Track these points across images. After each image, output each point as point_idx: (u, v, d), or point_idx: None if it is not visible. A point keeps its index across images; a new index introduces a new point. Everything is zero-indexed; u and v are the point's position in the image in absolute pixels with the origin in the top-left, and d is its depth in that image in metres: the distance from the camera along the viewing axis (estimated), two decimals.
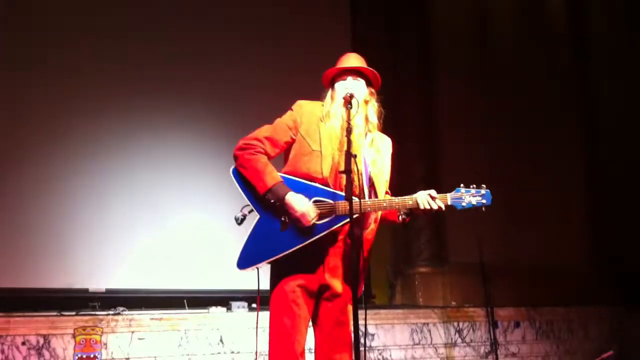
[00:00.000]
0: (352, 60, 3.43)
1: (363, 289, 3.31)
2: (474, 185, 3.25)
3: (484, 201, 3.24)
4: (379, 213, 3.37)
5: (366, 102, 3.38)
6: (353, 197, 3.03)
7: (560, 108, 7.74)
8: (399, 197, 3.27)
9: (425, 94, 7.42)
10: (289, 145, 3.37)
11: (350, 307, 3.21)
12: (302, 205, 3.15)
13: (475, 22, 7.70)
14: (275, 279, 3.27)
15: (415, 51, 7.48)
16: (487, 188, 3.25)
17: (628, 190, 7.18)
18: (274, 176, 3.23)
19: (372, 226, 3.36)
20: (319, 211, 3.17)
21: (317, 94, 3.46)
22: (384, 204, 3.26)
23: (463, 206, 3.24)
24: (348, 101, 3.18)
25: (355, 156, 3.05)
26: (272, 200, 3.18)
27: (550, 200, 7.28)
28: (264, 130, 3.35)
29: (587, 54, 7.93)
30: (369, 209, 3.22)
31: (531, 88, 7.55)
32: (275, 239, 3.20)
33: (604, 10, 7.84)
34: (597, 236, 7.50)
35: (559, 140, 7.57)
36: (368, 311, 5.08)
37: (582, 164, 7.76)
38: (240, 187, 3.30)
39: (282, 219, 3.19)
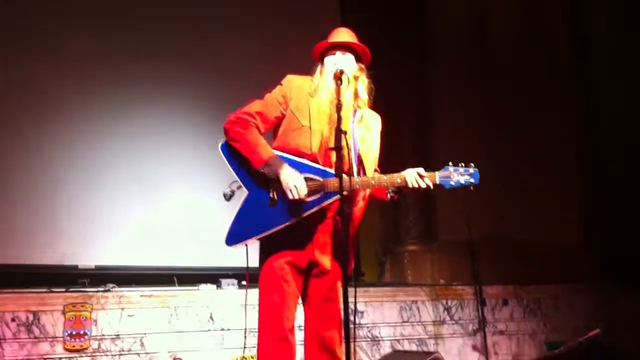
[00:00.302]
0: (342, 34, 3.41)
1: (353, 266, 3.33)
2: (463, 164, 3.24)
3: (472, 180, 3.23)
4: (368, 191, 3.37)
5: (356, 77, 3.36)
6: (344, 175, 3.04)
7: (557, 90, 7.73)
8: (388, 175, 3.27)
9: (417, 70, 7.43)
10: (279, 120, 3.35)
11: (339, 284, 3.23)
12: (295, 180, 3.14)
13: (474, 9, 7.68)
14: (264, 256, 3.28)
15: (408, 37, 7.48)
16: (475, 167, 3.25)
17: (620, 171, 7.20)
18: (268, 150, 3.23)
19: (360, 204, 3.36)
20: (309, 189, 3.17)
21: (307, 70, 3.45)
22: (373, 182, 3.26)
23: (451, 185, 3.24)
24: (338, 77, 3.16)
25: (345, 132, 3.05)
26: (267, 174, 3.17)
27: (541, 178, 7.30)
28: (255, 105, 3.34)
29: (587, 53, 7.89)
30: (357, 186, 3.22)
31: (525, 64, 7.53)
32: (264, 215, 3.20)
33: (603, 9, 7.79)
34: (587, 215, 7.53)
35: (552, 119, 7.57)
36: (357, 289, 5.11)
37: (574, 144, 7.77)
38: (228, 162, 3.30)
39: (271, 195, 3.19)
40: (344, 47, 3.38)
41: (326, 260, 3.26)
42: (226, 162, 3.30)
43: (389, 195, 3.40)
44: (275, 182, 3.18)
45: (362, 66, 3.41)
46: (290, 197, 3.13)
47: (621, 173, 7.14)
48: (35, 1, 5.80)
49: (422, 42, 7.53)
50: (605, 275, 6.72)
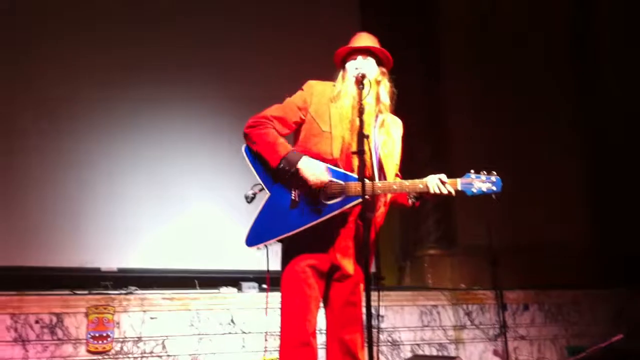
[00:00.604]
0: (363, 39, 3.42)
1: (373, 270, 3.33)
2: (485, 172, 3.23)
3: (494, 188, 3.22)
4: (389, 196, 3.37)
5: (377, 82, 3.37)
6: (366, 179, 3.04)
7: (568, 91, 7.68)
8: (409, 180, 3.27)
9: (432, 76, 7.42)
10: (298, 125, 3.37)
11: (361, 288, 3.23)
12: (315, 166, 3.16)
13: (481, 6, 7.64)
14: (286, 259, 3.29)
15: (420, 39, 7.47)
16: (497, 175, 3.24)
17: (635, 172, 7.13)
18: (286, 146, 3.25)
19: (381, 209, 3.36)
20: (330, 176, 3.17)
21: (327, 77, 3.46)
22: (395, 187, 3.26)
23: (473, 192, 3.23)
24: (360, 81, 3.17)
25: (367, 136, 3.05)
26: (286, 167, 3.18)
27: (558, 182, 7.26)
28: (274, 110, 3.36)
29: (597, 50, 7.82)
30: (379, 191, 3.22)
31: (537, 68, 7.49)
32: (284, 217, 3.21)
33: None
34: (603, 218, 7.47)
35: (567, 122, 7.53)
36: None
37: (593, 147, 7.70)
38: (251, 164, 3.32)
39: (293, 196, 3.21)
40: (365, 51, 3.39)
41: (348, 264, 3.26)
42: (249, 164, 3.32)
43: (410, 201, 3.40)
44: (296, 182, 3.19)
45: (384, 70, 3.42)
46: (311, 182, 3.14)
47: (628, 154, 7.09)
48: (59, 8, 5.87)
49: (438, 48, 7.52)
50: (626, 280, 6.66)
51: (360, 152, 3.01)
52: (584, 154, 7.68)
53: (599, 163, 7.64)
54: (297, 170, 3.17)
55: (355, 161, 3.11)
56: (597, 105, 7.74)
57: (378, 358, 3.32)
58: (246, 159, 3.33)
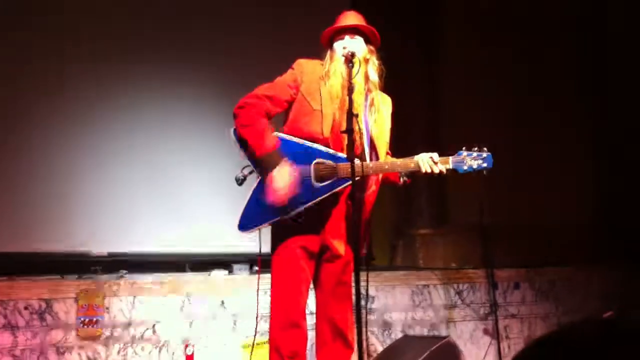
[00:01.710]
0: (350, 18, 3.39)
1: (365, 250, 3.32)
2: (476, 148, 3.24)
3: (485, 164, 3.23)
4: (380, 175, 3.36)
5: (366, 60, 3.34)
6: (355, 159, 3.02)
7: (569, 73, 7.63)
8: (401, 159, 3.26)
9: (428, 53, 7.39)
10: (289, 104, 3.34)
11: (352, 268, 3.22)
12: (282, 181, 3.12)
13: None
14: (276, 240, 3.27)
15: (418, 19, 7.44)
16: (488, 151, 3.24)
17: (637, 148, 7.10)
18: (272, 140, 3.21)
19: (372, 188, 3.34)
20: (322, 161, 3.14)
21: (317, 55, 3.42)
22: (386, 166, 3.25)
23: (465, 170, 3.23)
24: (349, 60, 3.15)
25: (357, 115, 3.03)
26: (264, 165, 3.17)
27: (554, 158, 7.23)
28: (265, 89, 3.33)
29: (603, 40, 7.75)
30: (370, 171, 3.21)
31: (539, 51, 7.44)
32: None
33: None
34: (599, 193, 7.45)
35: (565, 100, 7.48)
36: (369, 273, 5.10)
37: (588, 123, 7.65)
38: (240, 147, 3.29)
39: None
40: (353, 30, 3.36)
41: (339, 245, 3.25)
42: (238, 147, 3.29)
43: (402, 180, 3.39)
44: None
45: (372, 48, 3.39)
46: (270, 198, 3.11)
47: (638, 150, 7.06)
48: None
49: (434, 26, 7.47)
50: (619, 254, 6.66)
51: (350, 132, 2.99)
52: (582, 129, 7.62)
53: (598, 137, 7.59)
54: (269, 172, 3.14)
55: (346, 140, 3.08)
56: (605, 87, 7.68)
57: (367, 339, 3.32)
58: (235, 141, 3.30)
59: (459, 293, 5.83)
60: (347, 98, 3.06)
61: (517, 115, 7.23)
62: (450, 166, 3.23)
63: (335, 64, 3.30)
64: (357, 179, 3.03)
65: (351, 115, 3.00)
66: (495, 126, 6.90)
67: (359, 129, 3.10)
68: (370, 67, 3.36)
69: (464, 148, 3.23)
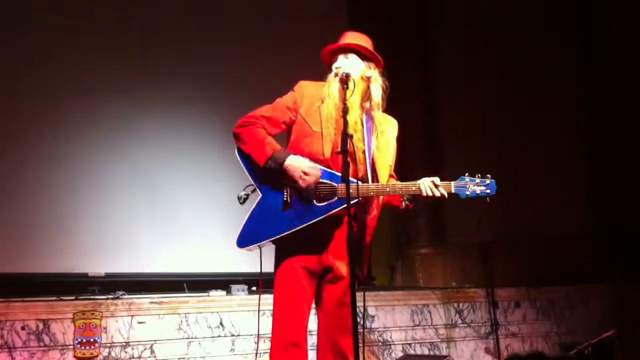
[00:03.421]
0: (346, 37, 3.39)
1: (365, 272, 3.30)
2: (479, 175, 3.24)
3: (488, 191, 3.23)
4: (382, 199, 3.35)
5: (367, 78, 3.33)
6: (357, 181, 3.04)
7: (564, 80, 7.62)
8: (402, 183, 3.26)
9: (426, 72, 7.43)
10: (288, 125, 3.34)
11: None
12: (302, 164, 3.14)
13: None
14: (278, 260, 3.26)
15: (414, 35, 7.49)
16: (491, 178, 3.24)
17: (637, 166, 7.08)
18: (273, 145, 3.22)
19: (374, 212, 3.33)
20: (319, 174, 3.15)
21: (315, 75, 3.42)
22: (387, 189, 3.24)
23: (467, 194, 3.23)
24: (344, 81, 3.14)
25: (351, 136, 3.03)
26: (273, 166, 3.16)
27: (553, 178, 7.20)
28: (263, 110, 3.33)
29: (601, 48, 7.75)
30: (372, 192, 3.20)
31: (533, 57, 7.42)
32: (276, 218, 3.18)
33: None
34: (598, 209, 7.41)
35: (560, 111, 7.47)
36: (368, 293, 5.08)
37: (586, 142, 7.63)
38: (244, 166, 3.29)
39: (285, 198, 3.17)
40: (345, 49, 3.35)
41: (341, 266, 3.23)
42: (242, 166, 3.29)
43: (404, 204, 3.38)
44: (289, 183, 3.17)
45: (372, 65, 3.36)
46: (302, 184, 3.11)
47: (638, 168, 7.04)
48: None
49: (430, 48, 7.52)
50: (618, 271, 6.63)
51: (345, 152, 2.98)
52: (581, 148, 7.60)
53: (597, 152, 7.56)
54: (284, 168, 3.14)
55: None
56: (598, 99, 7.65)
57: (367, 358, 3.29)
58: (239, 159, 3.31)
59: (459, 312, 5.80)
60: (341, 119, 3.06)
61: (516, 133, 7.22)
62: (452, 190, 3.23)
63: (330, 85, 3.30)
64: (358, 200, 3.03)
65: (346, 136, 2.99)
66: (493, 143, 6.91)
67: (359, 149, 3.11)
68: (372, 85, 3.34)
69: (466, 174, 3.23)
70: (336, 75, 3.20)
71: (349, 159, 3.01)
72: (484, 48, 7.37)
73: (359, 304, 2.92)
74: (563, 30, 7.58)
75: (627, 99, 7.17)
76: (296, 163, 3.15)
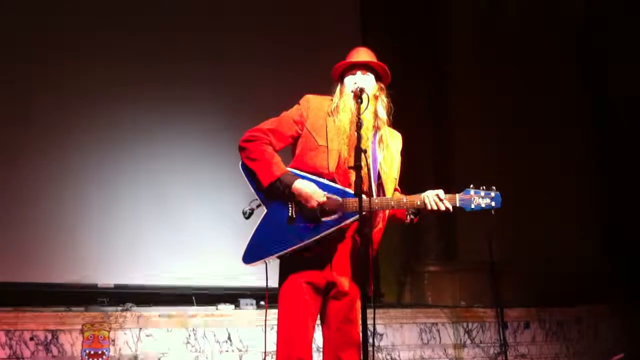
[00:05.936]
0: (362, 54, 3.40)
1: (372, 288, 3.29)
2: (484, 187, 3.21)
3: (493, 204, 3.19)
4: (387, 212, 3.34)
5: (375, 97, 3.35)
6: (362, 195, 3.02)
7: (573, 103, 7.62)
8: (407, 196, 3.25)
9: (437, 87, 7.42)
10: (294, 139, 3.34)
11: (359, 305, 3.19)
12: (310, 186, 3.14)
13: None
14: (283, 275, 3.26)
15: (426, 47, 7.50)
16: (497, 190, 3.21)
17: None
18: (281, 167, 3.22)
19: (379, 225, 3.33)
20: (327, 195, 3.15)
21: (325, 90, 3.43)
22: (392, 203, 3.23)
23: (472, 208, 3.20)
24: (358, 95, 3.15)
25: (365, 151, 3.03)
26: (281, 188, 3.16)
27: (561, 197, 7.18)
28: (270, 123, 3.34)
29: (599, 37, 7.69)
30: (376, 207, 3.19)
31: (544, 78, 7.41)
32: (282, 233, 3.18)
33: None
34: (608, 233, 7.38)
35: (571, 136, 7.45)
36: (376, 310, 5.05)
37: (596, 161, 7.61)
38: (248, 180, 3.29)
39: (290, 212, 3.17)
40: (365, 66, 3.37)
41: (345, 281, 3.23)
42: (246, 180, 3.30)
43: (409, 217, 3.38)
44: (294, 199, 3.17)
45: (382, 86, 3.39)
46: (310, 205, 3.11)
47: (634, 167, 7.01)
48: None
49: (441, 61, 7.53)
50: (628, 294, 6.58)
51: (358, 167, 2.99)
52: (592, 168, 7.58)
53: (604, 169, 7.54)
54: (292, 191, 3.15)
55: (353, 176, 3.08)
56: (607, 120, 7.64)
57: None
58: (243, 174, 3.31)
59: (468, 332, 5.76)
60: (355, 133, 3.06)
61: (524, 151, 7.20)
62: (457, 204, 3.20)
63: (344, 99, 3.31)
64: (363, 214, 3.01)
65: (359, 151, 3.00)
66: (503, 161, 6.88)
67: (367, 164, 3.10)
68: (379, 105, 3.36)
69: (471, 185, 3.21)
70: (361, 91, 3.19)
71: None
72: (496, 65, 7.38)
73: (369, 321, 2.90)
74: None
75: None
76: (303, 186, 3.16)
